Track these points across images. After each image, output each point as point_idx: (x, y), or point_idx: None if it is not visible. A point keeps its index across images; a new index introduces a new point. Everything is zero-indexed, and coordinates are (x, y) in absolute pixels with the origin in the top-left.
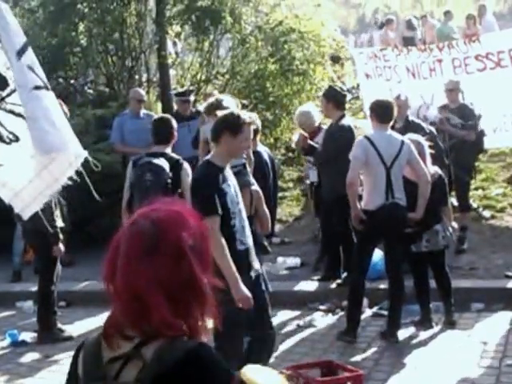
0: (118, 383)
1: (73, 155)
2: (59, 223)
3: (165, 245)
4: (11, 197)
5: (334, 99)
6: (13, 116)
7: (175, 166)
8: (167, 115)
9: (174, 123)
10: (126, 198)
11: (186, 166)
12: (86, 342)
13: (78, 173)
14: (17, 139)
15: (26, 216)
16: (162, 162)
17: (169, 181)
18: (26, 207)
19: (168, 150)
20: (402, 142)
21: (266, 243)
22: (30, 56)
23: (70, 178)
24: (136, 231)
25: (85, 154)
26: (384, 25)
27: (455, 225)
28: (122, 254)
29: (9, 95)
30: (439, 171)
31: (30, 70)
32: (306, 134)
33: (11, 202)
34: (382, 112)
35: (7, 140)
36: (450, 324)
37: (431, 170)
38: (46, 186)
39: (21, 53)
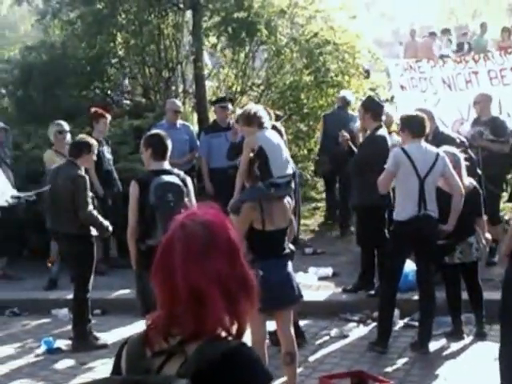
0: (160, 376)
1: None
2: (93, 231)
3: (219, 244)
4: None
5: (372, 110)
6: None
7: (182, 182)
8: (161, 131)
9: (169, 140)
10: (135, 218)
11: (189, 181)
12: (130, 338)
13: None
14: None
15: None
16: (178, 181)
17: (186, 199)
18: None
19: (168, 166)
20: (437, 155)
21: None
22: None
23: None
24: (190, 233)
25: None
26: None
27: (489, 236)
28: (180, 256)
29: None
30: (474, 183)
31: None
32: (347, 136)
33: None
34: (413, 126)
35: None
36: (481, 336)
37: (466, 182)
38: None
39: None
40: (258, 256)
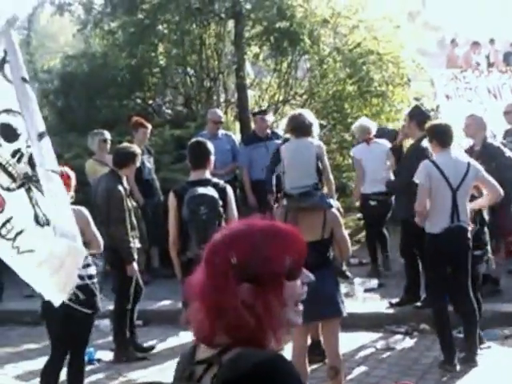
0: None
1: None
2: (136, 244)
3: (211, 268)
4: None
5: (417, 118)
6: (44, 199)
7: (221, 192)
8: (202, 139)
9: (211, 147)
10: (176, 230)
11: (230, 190)
12: (188, 345)
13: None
14: (48, 223)
15: (56, 303)
16: (212, 192)
17: (221, 210)
18: (55, 295)
19: (208, 175)
20: (468, 164)
21: (345, 268)
22: (48, 143)
23: None
24: (208, 252)
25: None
26: None
27: None
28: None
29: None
30: None
31: (48, 154)
32: None
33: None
34: (442, 136)
35: (42, 222)
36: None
37: None
38: (70, 274)
39: (42, 136)
40: None
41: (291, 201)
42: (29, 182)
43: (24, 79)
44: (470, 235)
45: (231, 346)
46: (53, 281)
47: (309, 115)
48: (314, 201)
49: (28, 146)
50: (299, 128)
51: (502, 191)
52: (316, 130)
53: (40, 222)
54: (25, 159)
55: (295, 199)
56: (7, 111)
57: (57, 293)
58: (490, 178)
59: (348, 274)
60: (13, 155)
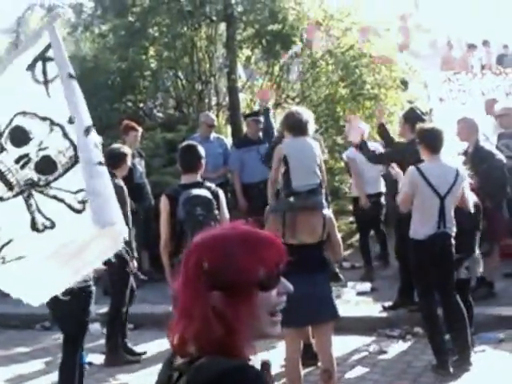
0: None
1: (118, 232)
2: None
3: (185, 270)
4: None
5: (412, 121)
6: (55, 201)
7: (213, 195)
8: (193, 142)
9: (202, 150)
10: (168, 233)
11: (222, 194)
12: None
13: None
14: (52, 226)
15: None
16: (207, 194)
17: (216, 212)
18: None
19: (199, 179)
20: (457, 172)
21: (337, 270)
22: (95, 135)
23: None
24: (185, 254)
25: (126, 231)
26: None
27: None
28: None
29: (56, 179)
30: (475, 198)
31: (95, 147)
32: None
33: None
34: (432, 141)
35: (41, 228)
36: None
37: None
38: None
39: (88, 130)
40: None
41: (298, 198)
42: (31, 188)
43: (70, 75)
44: (453, 241)
45: (201, 354)
46: (62, 272)
47: (305, 113)
48: (318, 199)
49: (40, 150)
50: (297, 127)
51: (471, 210)
52: (312, 128)
53: (39, 228)
54: (31, 165)
55: (303, 197)
56: (24, 113)
57: (65, 280)
58: (469, 193)
59: (340, 276)
60: (17, 161)
